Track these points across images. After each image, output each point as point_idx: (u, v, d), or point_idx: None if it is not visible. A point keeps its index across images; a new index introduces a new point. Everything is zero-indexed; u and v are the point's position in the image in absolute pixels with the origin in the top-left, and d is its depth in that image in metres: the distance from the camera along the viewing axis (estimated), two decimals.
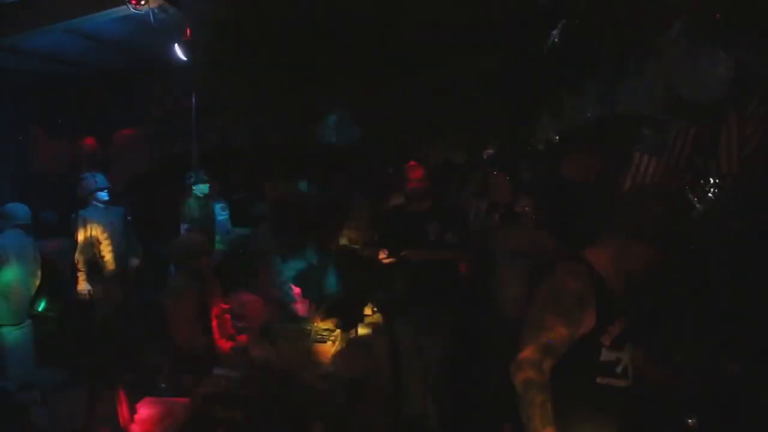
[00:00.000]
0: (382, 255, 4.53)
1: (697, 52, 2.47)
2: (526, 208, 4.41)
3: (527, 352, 2.03)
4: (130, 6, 4.93)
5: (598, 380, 2.10)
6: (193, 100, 7.96)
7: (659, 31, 2.67)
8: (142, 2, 4.92)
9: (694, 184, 2.90)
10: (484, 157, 6.66)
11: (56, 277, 6.30)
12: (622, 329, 2.09)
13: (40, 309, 6.03)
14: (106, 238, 5.98)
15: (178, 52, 5.61)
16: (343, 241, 7.35)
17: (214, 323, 4.57)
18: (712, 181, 2.76)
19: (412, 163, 4.80)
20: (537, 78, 6.37)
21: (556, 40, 5.23)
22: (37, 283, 5.92)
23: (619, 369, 2.12)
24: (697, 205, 2.86)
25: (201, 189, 6.84)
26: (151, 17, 5.24)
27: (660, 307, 3.00)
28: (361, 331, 5.22)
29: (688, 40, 2.52)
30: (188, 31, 5.47)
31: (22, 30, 5.80)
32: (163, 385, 4.85)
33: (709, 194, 2.79)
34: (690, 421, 2.44)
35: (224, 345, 4.60)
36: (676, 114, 2.84)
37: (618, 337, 2.09)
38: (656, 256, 2.08)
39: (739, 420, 2.64)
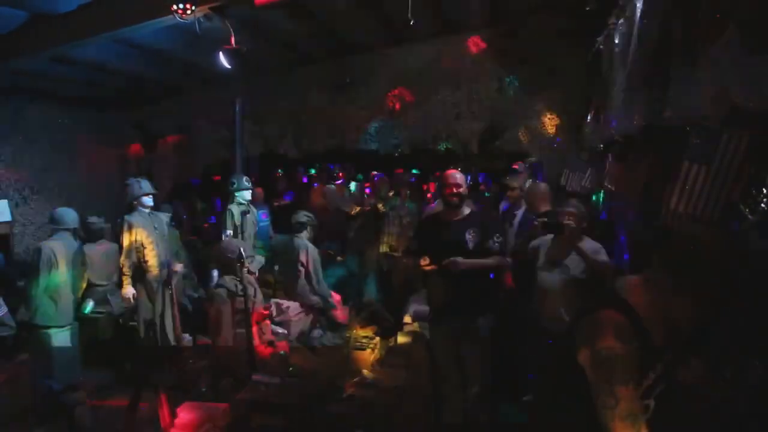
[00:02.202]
0: (423, 263, 4.49)
1: (752, 57, 2.39)
2: (570, 218, 4.31)
3: None
4: (176, 15, 5.01)
5: None
6: (237, 107, 8.08)
7: (711, 36, 2.59)
8: (188, 11, 4.99)
9: (745, 194, 2.80)
10: (527, 165, 6.56)
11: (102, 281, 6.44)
12: (656, 378, 2.00)
13: (86, 311, 6.16)
14: (150, 243, 6.07)
15: (223, 60, 5.68)
16: (384, 248, 7.36)
17: (254, 329, 4.60)
18: (765, 191, 2.65)
19: (451, 170, 4.76)
20: (581, 84, 6.28)
21: (602, 47, 5.14)
22: (84, 286, 6.06)
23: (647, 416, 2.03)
24: (750, 217, 2.75)
25: (243, 195, 6.90)
26: (197, 26, 5.32)
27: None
28: (401, 339, 5.19)
29: (741, 46, 2.43)
30: (232, 39, 5.53)
31: (73, 40, 5.95)
32: (203, 390, 4.92)
33: (762, 205, 2.68)
34: None
35: (264, 351, 4.63)
36: (728, 121, 2.75)
37: (650, 387, 2.00)
38: (704, 300, 1.98)
39: None
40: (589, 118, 5.90)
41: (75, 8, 5.61)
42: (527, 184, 5.89)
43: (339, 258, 7.89)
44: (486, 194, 8.17)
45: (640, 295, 2.04)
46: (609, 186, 5.09)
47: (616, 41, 4.55)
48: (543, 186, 5.46)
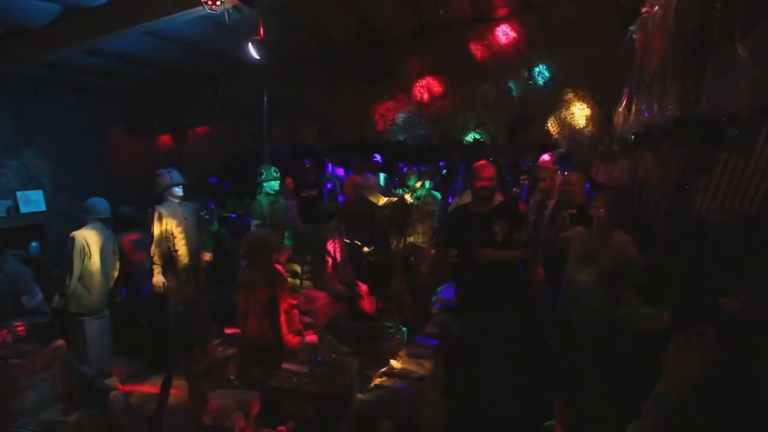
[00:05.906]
0: (451, 254, 4.50)
1: None
2: (601, 210, 4.26)
3: None
4: (205, 7, 5.03)
5: None
6: (265, 98, 8.11)
7: (751, 25, 2.52)
8: (218, 2, 5.01)
9: None
10: (556, 156, 6.48)
11: (133, 270, 6.53)
12: None
13: (118, 300, 6.26)
14: (180, 233, 6.15)
15: (252, 51, 5.69)
16: (411, 239, 7.35)
17: (283, 318, 4.63)
18: None
19: (482, 162, 4.74)
20: (612, 74, 6.18)
21: (635, 36, 5.04)
22: (116, 274, 6.16)
23: None
24: None
25: (271, 185, 6.94)
26: (226, 17, 5.34)
27: None
28: (427, 329, 5.18)
29: None
30: (261, 30, 5.54)
31: (105, 33, 6.01)
32: (233, 378, 4.97)
33: None
34: None
35: (292, 340, 4.66)
36: (766, 112, 2.68)
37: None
38: None
39: None
40: (620, 108, 5.81)
41: (107, 1, 5.67)
42: (559, 175, 5.83)
43: (366, 249, 7.89)
44: (515, 186, 8.10)
45: None
46: (641, 178, 5.01)
47: (651, 30, 4.46)
48: (578, 176, 5.40)
